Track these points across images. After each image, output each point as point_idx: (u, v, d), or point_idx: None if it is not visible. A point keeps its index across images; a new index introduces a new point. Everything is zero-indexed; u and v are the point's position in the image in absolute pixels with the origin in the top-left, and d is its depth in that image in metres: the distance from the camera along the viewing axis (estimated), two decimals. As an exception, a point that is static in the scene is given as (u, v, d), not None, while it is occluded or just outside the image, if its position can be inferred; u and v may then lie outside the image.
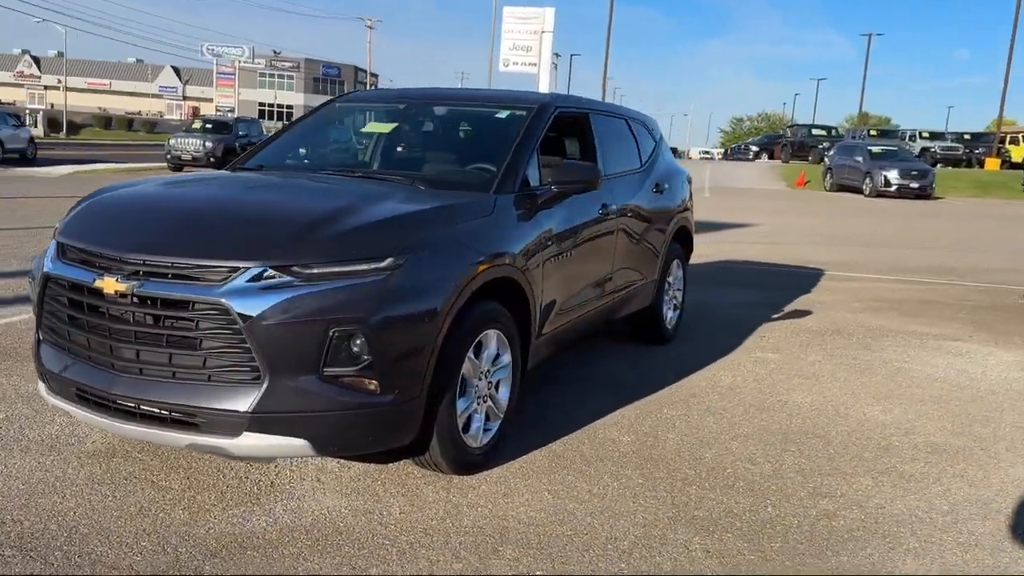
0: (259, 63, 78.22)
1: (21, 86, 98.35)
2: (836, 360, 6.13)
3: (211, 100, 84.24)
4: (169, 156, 24.96)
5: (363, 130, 4.99)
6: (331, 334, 3.05)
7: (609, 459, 4.00)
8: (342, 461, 3.78)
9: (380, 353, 3.11)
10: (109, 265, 3.20)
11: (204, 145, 24.46)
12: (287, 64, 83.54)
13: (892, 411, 5.00)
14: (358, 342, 3.09)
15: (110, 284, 3.15)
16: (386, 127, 4.94)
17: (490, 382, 3.79)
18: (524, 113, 4.62)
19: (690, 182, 6.68)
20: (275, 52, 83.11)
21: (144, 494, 3.39)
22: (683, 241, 6.49)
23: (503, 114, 4.70)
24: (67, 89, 63.88)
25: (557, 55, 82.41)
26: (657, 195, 5.84)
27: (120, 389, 3.18)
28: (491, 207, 3.88)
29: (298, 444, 3.10)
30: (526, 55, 58.71)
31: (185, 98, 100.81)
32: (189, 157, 24.59)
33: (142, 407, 3.15)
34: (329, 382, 3.09)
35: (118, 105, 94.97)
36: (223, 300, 3.00)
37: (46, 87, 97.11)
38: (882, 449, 4.34)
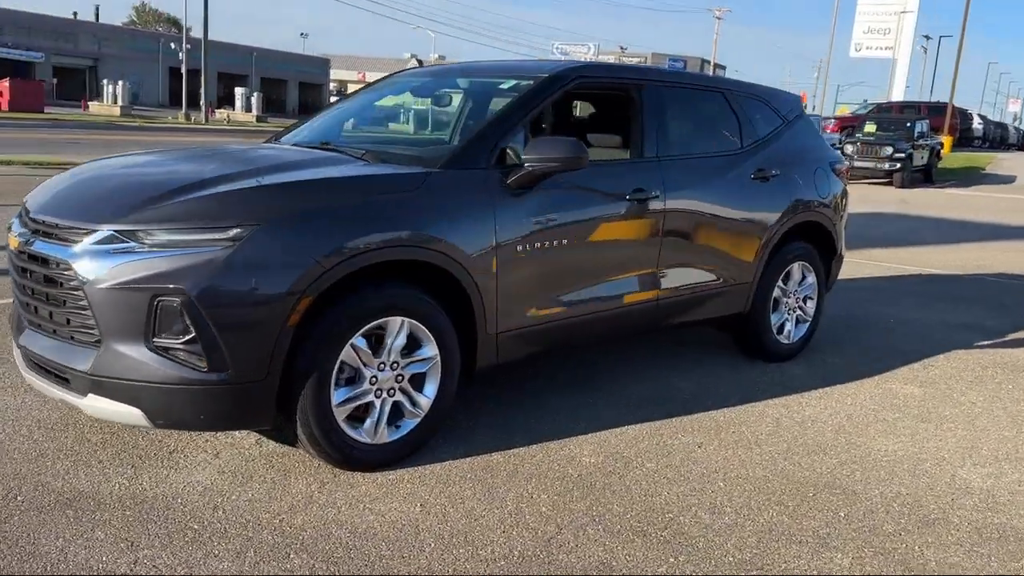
0: (607, 59, 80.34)
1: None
2: (999, 407, 4.75)
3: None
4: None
5: (377, 104, 4.78)
6: (155, 303, 2.95)
7: (542, 479, 3.45)
8: (263, 440, 3.67)
9: (205, 328, 2.96)
10: (25, 224, 3.40)
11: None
12: (634, 60, 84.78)
13: (1001, 478, 3.75)
14: (183, 314, 2.95)
15: (13, 241, 3.35)
16: (393, 101, 4.72)
17: (400, 375, 3.44)
18: (529, 83, 4.13)
19: (837, 173, 5.56)
20: (621, 48, 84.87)
21: (47, 443, 3.55)
22: (815, 240, 5.42)
23: (507, 85, 4.24)
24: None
25: (927, 38, 74.36)
26: (758, 183, 4.93)
27: (24, 340, 3.37)
28: (419, 182, 3.51)
29: (134, 413, 3.06)
30: (882, 38, 53.54)
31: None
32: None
33: (34, 359, 3.31)
34: (158, 353, 3.00)
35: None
36: (70, 260, 3.05)
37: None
38: (926, 524, 3.27)
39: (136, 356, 3.00)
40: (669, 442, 3.92)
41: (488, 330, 3.70)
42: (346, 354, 3.25)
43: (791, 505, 3.36)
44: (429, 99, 4.72)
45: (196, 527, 2.94)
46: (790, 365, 5.28)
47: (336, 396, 3.26)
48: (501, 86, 4.27)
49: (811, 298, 5.45)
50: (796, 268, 5.26)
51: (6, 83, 40.43)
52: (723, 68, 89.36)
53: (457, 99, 4.67)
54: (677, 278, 4.54)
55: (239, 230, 3.02)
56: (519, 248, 3.73)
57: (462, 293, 3.57)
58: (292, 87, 70.96)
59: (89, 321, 3.05)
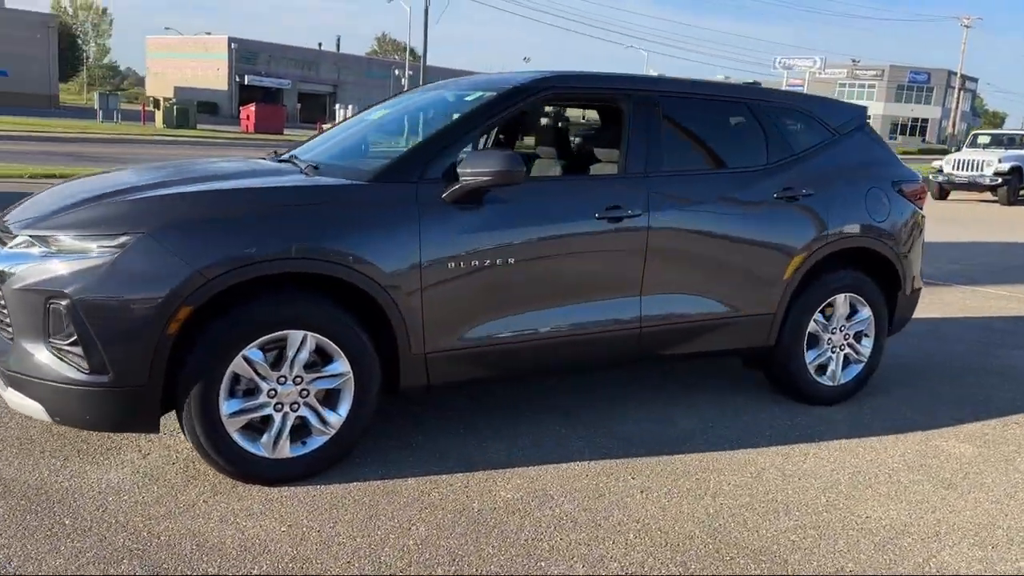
0: (836, 73, 76.07)
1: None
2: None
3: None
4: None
5: (386, 119, 4.72)
6: (48, 305, 3.11)
7: (436, 510, 3.26)
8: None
9: (84, 331, 3.07)
10: None
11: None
12: (870, 72, 79.69)
13: (995, 566, 3.08)
14: (67, 316, 3.09)
15: None
16: (378, 114, 4.66)
17: (305, 390, 3.40)
18: (491, 96, 3.96)
19: (907, 194, 4.84)
20: (853, 61, 79.82)
21: (14, 431, 3.82)
22: (871, 270, 4.76)
23: (471, 97, 4.07)
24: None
25: None
26: (783, 203, 4.40)
27: None
28: (328, 196, 3.49)
29: (38, 408, 3.23)
30: None
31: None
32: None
33: None
34: (54, 353, 3.15)
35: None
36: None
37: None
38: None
39: (37, 355, 3.17)
40: (610, 484, 3.58)
41: (414, 350, 3.56)
42: (238, 366, 3.25)
43: (693, 569, 2.95)
44: (420, 114, 4.65)
45: (68, 523, 3.04)
46: (830, 410, 4.66)
47: (227, 407, 3.26)
48: (466, 98, 4.11)
49: (867, 335, 4.79)
50: (842, 300, 4.64)
51: (252, 108, 44.91)
52: (974, 81, 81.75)
53: (429, 114, 4.56)
54: (668, 305, 4.15)
55: (127, 237, 3.11)
56: (452, 266, 3.57)
57: (380, 310, 3.46)
58: (512, 107, 73.24)
59: (6, 319, 3.26)
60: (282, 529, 3.07)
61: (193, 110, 43.21)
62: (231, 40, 62.02)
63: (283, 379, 3.35)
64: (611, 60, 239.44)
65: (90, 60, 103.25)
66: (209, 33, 69.30)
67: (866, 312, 4.73)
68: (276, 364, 3.34)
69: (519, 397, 4.56)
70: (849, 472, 3.84)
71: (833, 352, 4.70)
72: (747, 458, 3.94)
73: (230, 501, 3.25)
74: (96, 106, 42.81)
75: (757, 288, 4.38)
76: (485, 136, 4.59)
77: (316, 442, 3.46)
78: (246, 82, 62.91)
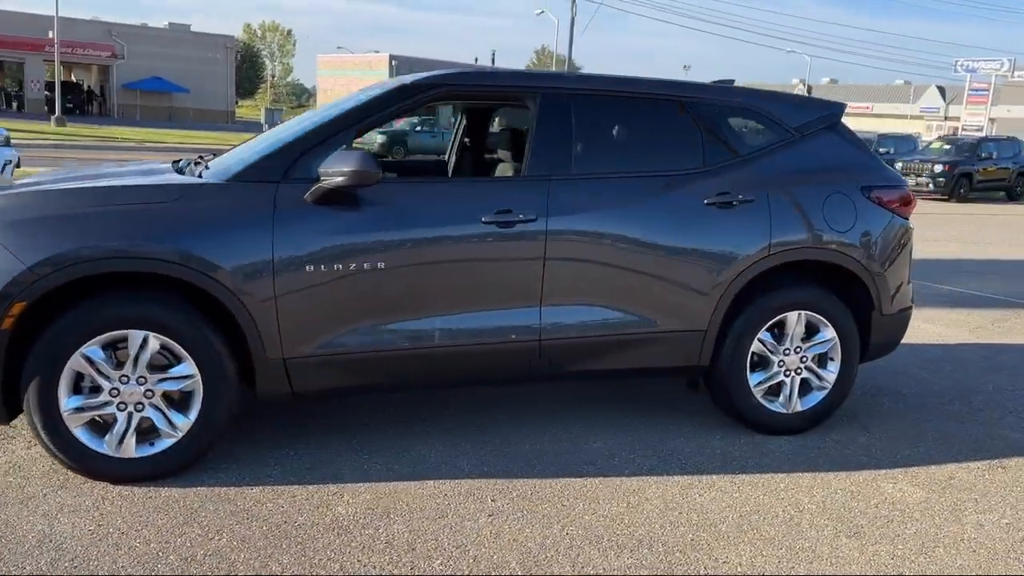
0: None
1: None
2: (1017, 538, 3.35)
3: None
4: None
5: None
6: None
7: (255, 520, 3.16)
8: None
9: None
10: None
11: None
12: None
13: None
14: None
15: None
16: (306, 114, 4.60)
17: (149, 391, 3.39)
18: (373, 94, 3.83)
19: (880, 201, 4.28)
20: (1046, 63, 72.79)
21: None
22: (837, 286, 4.26)
23: (364, 96, 3.94)
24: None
25: None
26: (715, 209, 4.01)
27: None
28: (174, 195, 3.45)
29: None
30: None
31: (946, 118, 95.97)
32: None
33: None
34: None
35: (874, 127, 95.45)
36: None
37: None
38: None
39: None
40: (461, 505, 3.36)
41: (270, 355, 3.48)
42: (76, 363, 3.28)
43: (473, 603, 2.70)
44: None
45: (-94, 507, 3.17)
46: (778, 440, 4.20)
47: (67, 403, 3.30)
48: (360, 97, 3.98)
49: (832, 359, 4.28)
50: (796, 318, 4.16)
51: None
52: None
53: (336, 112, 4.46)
54: (573, 317, 3.87)
55: None
56: (312, 269, 3.47)
57: (229, 313, 3.42)
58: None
59: None
60: (91, 528, 3.07)
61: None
62: (392, 57, 64.50)
63: (125, 378, 3.35)
64: (771, 66, 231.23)
65: (275, 78, 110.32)
66: (377, 51, 72.40)
67: (829, 333, 4.23)
68: (122, 363, 3.35)
69: (423, 410, 4.38)
70: (746, 510, 3.43)
71: (787, 376, 4.23)
72: (638, 487, 3.60)
73: (67, 496, 3.29)
74: (262, 120, 45.65)
75: (682, 302, 4.00)
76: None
77: (164, 444, 3.44)
78: (405, 97, 65.08)
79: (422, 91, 3.81)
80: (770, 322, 4.14)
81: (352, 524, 3.16)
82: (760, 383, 4.19)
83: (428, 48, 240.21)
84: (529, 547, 3.06)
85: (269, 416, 4.15)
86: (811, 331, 4.24)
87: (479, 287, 3.75)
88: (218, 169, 3.74)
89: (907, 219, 4.41)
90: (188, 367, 3.40)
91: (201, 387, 3.42)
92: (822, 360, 4.29)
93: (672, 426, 4.31)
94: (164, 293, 3.39)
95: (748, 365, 4.14)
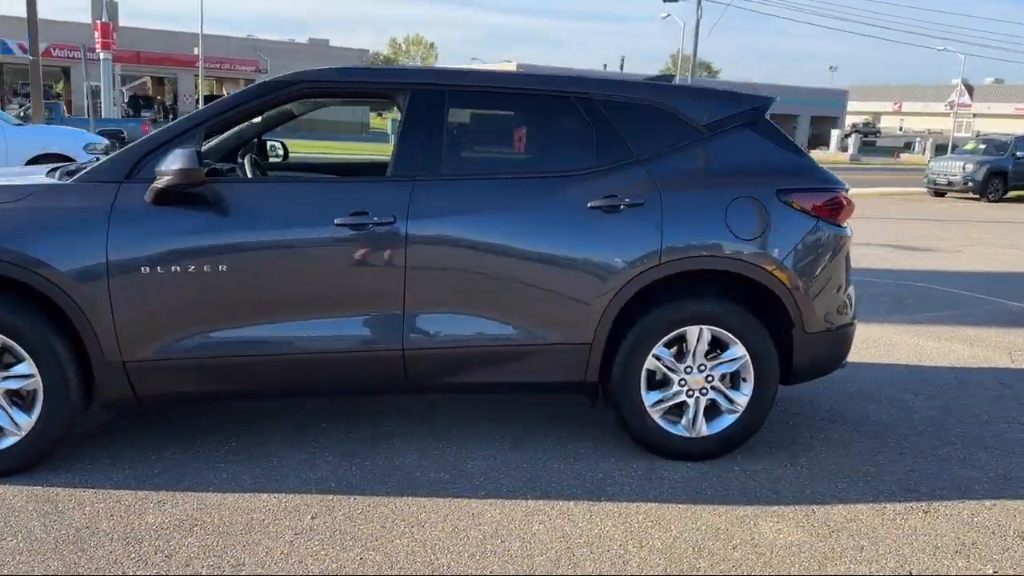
0: None
1: (948, 115, 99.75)
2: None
3: None
4: (927, 180, 22.93)
5: None
6: None
7: (50, 518, 3.13)
8: None
9: None
10: None
11: (963, 168, 21.64)
12: None
13: None
14: None
15: None
16: None
17: (-9, 390, 3.44)
18: (236, 93, 3.75)
19: (802, 207, 3.81)
20: None
21: None
22: (750, 300, 3.85)
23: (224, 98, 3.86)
24: (989, 116, 61.96)
25: None
26: (600, 213, 3.69)
27: None
28: (22, 194, 3.48)
29: None
30: None
31: None
32: (945, 182, 22.13)
33: None
34: None
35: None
36: None
37: (975, 115, 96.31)
38: None
39: None
40: (272, 522, 3.21)
41: (108, 357, 3.46)
42: None
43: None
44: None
45: None
46: (673, 466, 3.82)
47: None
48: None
49: (745, 380, 3.86)
50: (697, 333, 3.77)
51: (523, 130, 46.76)
52: None
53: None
54: (439, 326, 3.65)
55: None
56: (148, 271, 3.42)
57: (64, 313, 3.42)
58: (803, 121, 69.10)
59: None
60: (-99, 522, 3.12)
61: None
62: (519, 66, 65.06)
63: (-23, 376, 3.40)
64: (929, 66, 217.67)
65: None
66: (510, 61, 73.28)
67: (739, 351, 3.81)
68: (-25, 360, 3.41)
69: (314, 420, 4.24)
70: (580, 542, 3.11)
71: (689, 396, 3.84)
72: (479, 510, 3.34)
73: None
74: (389, 131, 47.03)
75: (563, 313, 3.71)
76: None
77: (6, 442, 3.47)
78: (533, 105, 65.54)
79: (281, 89, 3.70)
80: (666, 337, 3.77)
81: (148, 535, 3.07)
82: (658, 403, 3.82)
83: (557, 56, 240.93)
84: (309, 571, 2.87)
85: (152, 417, 4.14)
86: (719, 348, 3.84)
87: (333, 293, 3.60)
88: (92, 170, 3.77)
89: (841, 226, 3.92)
90: (28, 367, 3.41)
91: (42, 388, 3.43)
92: (735, 380, 3.88)
93: (568, 446, 4.00)
94: (10, 293, 3.42)
95: (643, 383, 3.79)
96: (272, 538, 3.08)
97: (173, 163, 3.31)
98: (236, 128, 4.21)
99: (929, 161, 24.70)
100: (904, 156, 50.27)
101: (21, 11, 20.74)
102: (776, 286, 3.78)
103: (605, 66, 73.96)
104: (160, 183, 3.36)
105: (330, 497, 3.41)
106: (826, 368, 4.10)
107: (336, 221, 3.52)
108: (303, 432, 4.05)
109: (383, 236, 3.55)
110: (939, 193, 22.59)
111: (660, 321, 3.75)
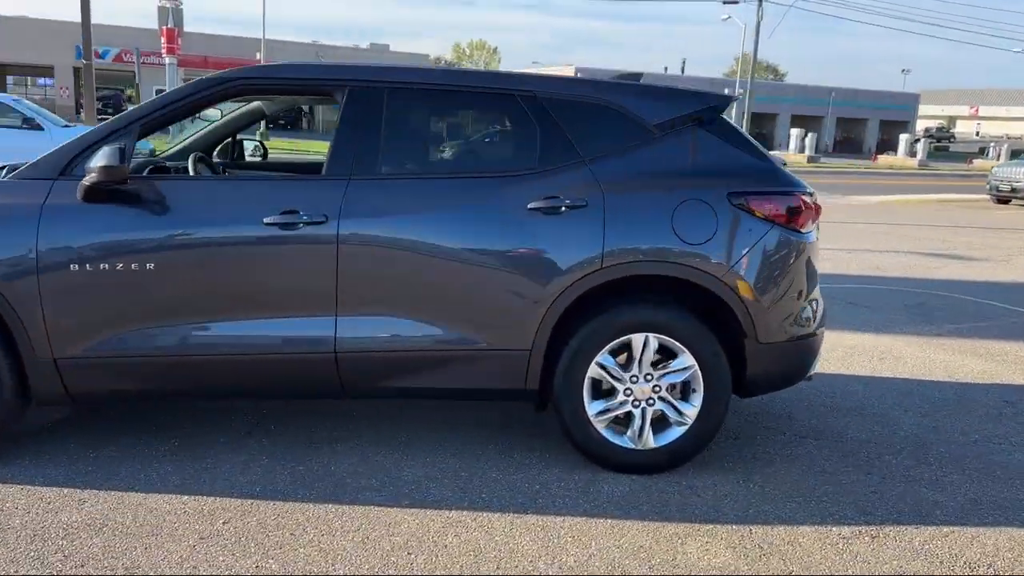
0: None
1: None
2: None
3: None
4: (989, 186, 22.02)
5: None
6: None
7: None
8: None
9: None
10: None
11: (1026, 174, 20.71)
12: None
13: None
14: None
15: None
16: None
17: (-71, 382, 3.48)
18: (172, 90, 3.73)
19: (757, 213, 3.62)
20: None
21: None
22: (700, 307, 3.68)
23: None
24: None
25: None
26: (539, 215, 3.56)
27: None
28: None
29: None
30: None
31: None
32: (1008, 188, 21.21)
33: None
34: None
35: None
36: None
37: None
38: None
39: None
40: (184, 525, 3.17)
41: (39, 354, 3.47)
42: None
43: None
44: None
45: None
46: (618, 480, 3.67)
47: None
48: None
49: (695, 391, 3.68)
50: (643, 341, 3.61)
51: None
52: None
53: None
54: (374, 329, 3.57)
55: None
56: (77, 268, 3.42)
57: None
58: (872, 125, 67.26)
59: None
60: None
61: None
62: (577, 70, 64.80)
63: (-98, 370, 3.45)
64: (996, 68, 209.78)
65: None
66: (570, 65, 73.07)
67: (687, 360, 3.64)
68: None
69: (263, 420, 4.20)
70: (483, 557, 2.99)
71: (636, 406, 3.69)
72: (395, 519, 3.24)
73: None
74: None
75: (501, 318, 3.59)
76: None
77: (-62, 438, 3.51)
78: (592, 108, 65.25)
79: (216, 86, 3.66)
80: (610, 344, 3.62)
81: (56, 533, 3.06)
82: (602, 412, 3.67)
83: (618, 59, 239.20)
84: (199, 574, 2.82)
85: (112, 413, 4.16)
86: (667, 357, 3.68)
87: (263, 293, 3.54)
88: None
89: (801, 232, 3.72)
90: None
91: (-46, 385, 3.44)
92: (685, 391, 3.71)
93: (514, 456, 3.88)
94: None
95: (586, 392, 3.65)
96: (176, 541, 3.03)
97: (98, 160, 3.30)
98: (213, 127, 4.21)
99: (993, 167, 23.71)
100: (977, 162, 48.44)
101: (101, 19, 21.39)
102: (726, 294, 3.60)
103: (666, 69, 73.17)
104: (86, 180, 3.35)
105: (250, 502, 3.35)
106: (786, 380, 3.90)
107: (265, 220, 3.47)
108: (250, 434, 4.01)
109: (312, 236, 3.48)
110: (1003, 200, 21.66)
111: (603, 328, 3.60)
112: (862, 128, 67.17)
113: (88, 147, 3.52)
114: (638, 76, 4.22)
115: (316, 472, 3.64)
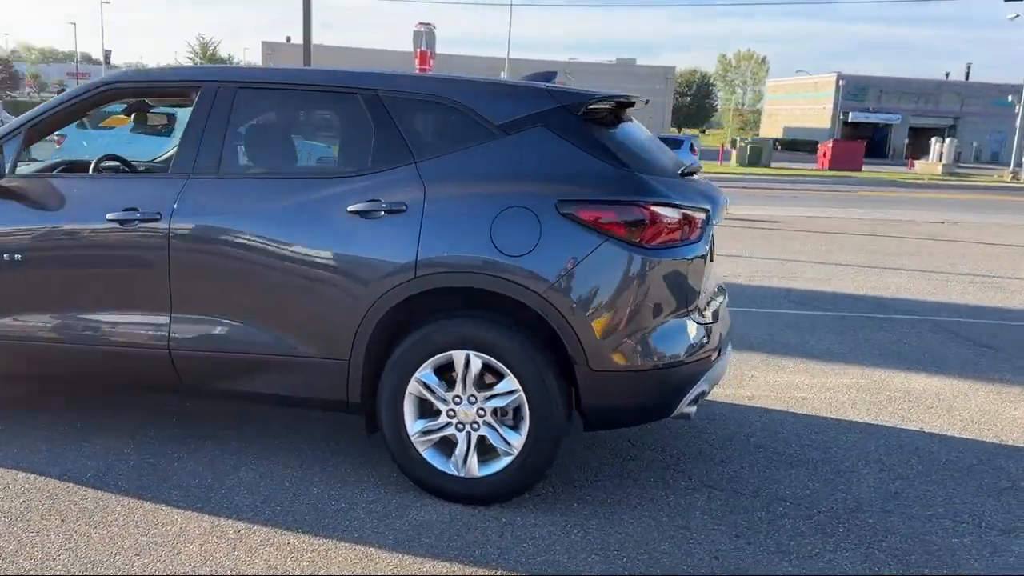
0: None
1: None
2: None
3: None
4: None
5: None
6: None
7: None
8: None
9: None
10: None
11: None
12: None
13: None
14: None
15: None
16: None
17: None
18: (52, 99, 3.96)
19: (589, 223, 3.16)
20: None
21: None
22: (527, 325, 3.29)
23: None
24: None
25: None
26: (359, 220, 3.36)
27: None
28: None
29: None
30: None
31: None
32: None
33: None
34: None
35: None
36: None
37: None
38: None
39: None
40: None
41: None
42: None
43: None
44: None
45: None
46: (437, 506, 3.38)
47: None
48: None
49: (524, 419, 3.31)
50: (464, 359, 3.30)
51: (830, 144, 43.98)
52: None
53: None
54: (202, 329, 3.57)
55: None
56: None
57: None
58: None
59: None
60: None
61: (768, 148, 44.01)
62: (840, 77, 60.94)
63: None
64: None
65: (744, 106, 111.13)
66: (834, 72, 69.05)
67: (512, 384, 3.27)
68: None
69: (189, 416, 4.30)
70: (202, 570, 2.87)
71: (459, 430, 3.38)
72: (169, 520, 3.21)
73: None
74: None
75: (319, 325, 3.44)
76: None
77: None
78: (850, 119, 61.10)
79: (91, 90, 3.83)
80: (431, 361, 3.34)
81: None
82: (424, 433, 3.40)
83: (894, 66, 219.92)
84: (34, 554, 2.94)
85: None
86: (492, 379, 3.34)
87: (107, 287, 3.67)
88: None
89: (647, 246, 3.20)
90: None
91: None
92: (516, 418, 3.34)
93: (363, 471, 3.69)
94: None
95: (406, 410, 3.40)
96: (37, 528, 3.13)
97: None
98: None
99: None
100: None
101: (339, 41, 23.26)
102: (548, 312, 3.19)
103: (948, 75, 66.66)
104: None
105: (52, 484, 3.44)
106: (643, 415, 3.40)
107: (108, 216, 3.59)
108: (141, 421, 4.15)
109: (147, 233, 3.55)
110: None
111: (422, 343, 3.33)
112: None
113: None
114: (552, 76, 3.89)
115: (142, 466, 3.68)
